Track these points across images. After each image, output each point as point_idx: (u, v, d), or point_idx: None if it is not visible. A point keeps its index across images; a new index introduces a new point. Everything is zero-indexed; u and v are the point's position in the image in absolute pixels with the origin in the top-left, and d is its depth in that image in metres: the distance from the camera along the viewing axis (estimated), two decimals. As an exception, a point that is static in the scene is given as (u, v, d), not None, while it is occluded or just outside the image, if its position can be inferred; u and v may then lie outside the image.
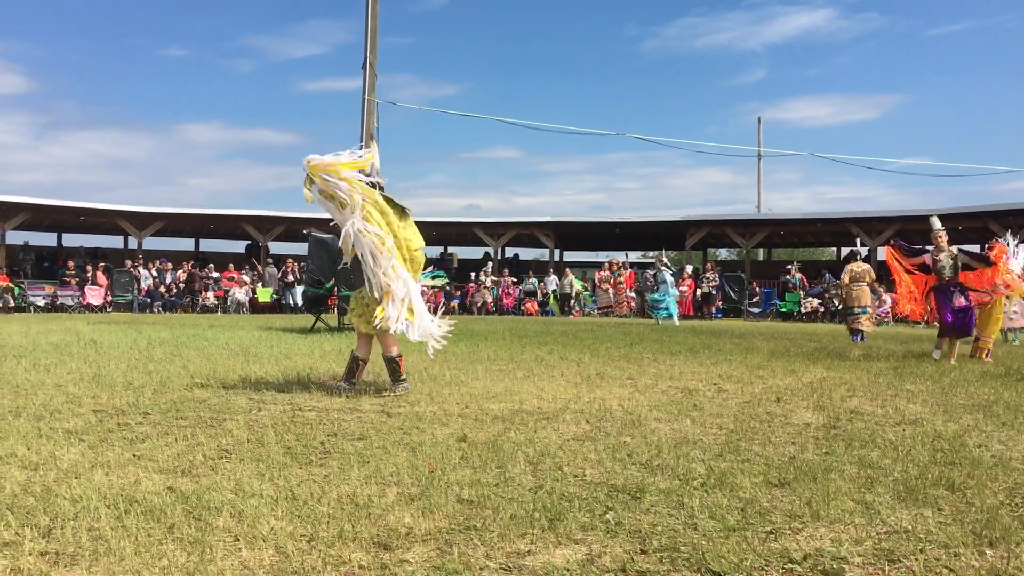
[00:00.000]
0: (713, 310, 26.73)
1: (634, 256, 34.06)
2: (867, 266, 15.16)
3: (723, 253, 48.34)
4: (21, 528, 2.90)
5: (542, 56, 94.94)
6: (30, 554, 2.65)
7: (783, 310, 26.63)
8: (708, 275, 27.88)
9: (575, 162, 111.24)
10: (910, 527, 3.07)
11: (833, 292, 19.75)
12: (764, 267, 34.01)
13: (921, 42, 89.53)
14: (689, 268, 29.05)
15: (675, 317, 20.85)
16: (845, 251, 32.18)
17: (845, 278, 14.80)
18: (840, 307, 15.32)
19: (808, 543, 2.88)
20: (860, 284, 14.50)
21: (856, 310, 14.55)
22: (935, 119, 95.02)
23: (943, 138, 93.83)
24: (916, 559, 2.72)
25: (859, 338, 14.22)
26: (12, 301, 23.93)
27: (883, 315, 23.71)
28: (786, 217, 31.65)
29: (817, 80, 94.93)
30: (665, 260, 21.75)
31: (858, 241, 16.34)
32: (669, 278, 20.93)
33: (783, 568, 2.65)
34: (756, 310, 26.87)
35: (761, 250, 37.42)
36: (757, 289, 27.73)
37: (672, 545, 2.83)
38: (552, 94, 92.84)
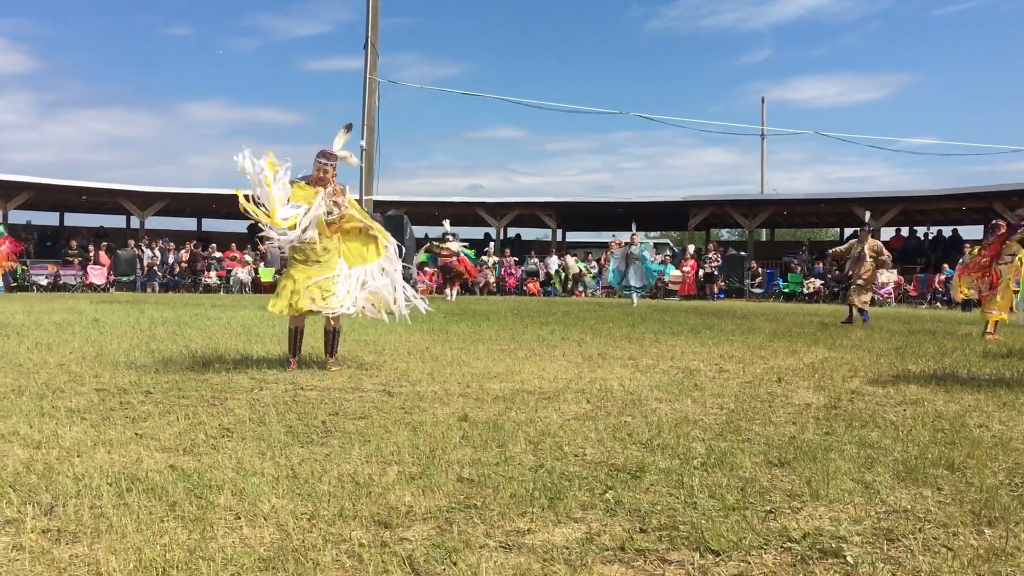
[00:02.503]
0: (715, 290, 26.73)
1: (639, 237, 34.00)
2: (875, 241, 14.59)
3: (725, 234, 48.25)
4: (23, 506, 2.91)
5: (545, 35, 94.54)
6: (32, 531, 2.66)
7: (786, 291, 26.63)
8: (711, 255, 27.85)
9: (578, 142, 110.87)
10: (909, 507, 3.08)
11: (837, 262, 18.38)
12: (767, 247, 33.97)
13: (928, 21, 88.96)
14: (691, 248, 29.03)
15: (635, 296, 20.96)
16: (848, 232, 32.14)
17: (842, 248, 14.40)
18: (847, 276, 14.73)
19: (807, 522, 2.89)
20: (863, 257, 13.83)
21: (858, 283, 13.95)
22: (942, 99, 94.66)
23: (950, 118, 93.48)
24: (915, 538, 2.73)
25: (858, 315, 13.76)
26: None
27: (885, 296, 23.69)
28: (789, 197, 31.57)
29: (823, 60, 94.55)
30: (639, 239, 21.87)
31: (867, 215, 15.77)
32: (647, 255, 21.00)
33: (782, 547, 2.65)
34: (759, 291, 26.87)
35: (764, 230, 37.34)
36: (760, 270, 27.73)
37: (671, 524, 2.84)
38: (555, 74, 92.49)
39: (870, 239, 14.34)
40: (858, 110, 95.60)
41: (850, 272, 14.22)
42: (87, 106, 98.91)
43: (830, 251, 15.78)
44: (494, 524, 2.83)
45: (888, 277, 14.21)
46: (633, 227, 22.10)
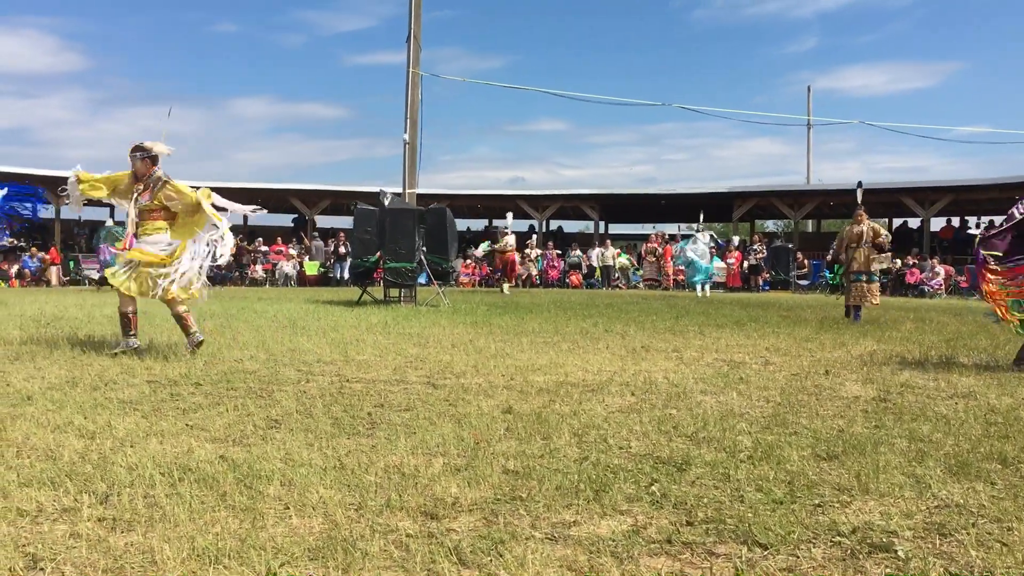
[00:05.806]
0: (760, 282, 26.43)
1: (686, 228, 33.97)
2: (874, 224, 12.40)
3: (771, 225, 47.69)
4: (79, 494, 2.98)
5: (589, 26, 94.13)
6: (88, 520, 2.73)
7: (832, 282, 26.20)
8: (755, 247, 27.53)
9: (622, 134, 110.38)
10: (961, 501, 3.02)
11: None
12: (813, 239, 33.48)
13: (979, 6, 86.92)
14: (736, 240, 28.74)
15: (699, 287, 21.27)
16: (897, 222, 31.55)
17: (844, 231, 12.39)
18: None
19: (857, 517, 2.85)
20: (858, 244, 11.95)
21: (851, 278, 12.14)
22: (993, 86, 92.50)
23: (1001, 106, 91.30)
24: (967, 533, 2.68)
25: (854, 316, 11.96)
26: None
27: (935, 288, 23.27)
28: (835, 188, 31.01)
29: (871, 47, 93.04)
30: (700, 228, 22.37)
31: (859, 191, 12.94)
32: (702, 246, 21.36)
33: (831, 541, 2.62)
34: (804, 282, 26.51)
35: (810, 221, 36.81)
36: (805, 261, 27.34)
37: (718, 517, 2.82)
38: (599, 65, 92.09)
39: (866, 220, 12.27)
40: (908, 99, 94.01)
41: (848, 258, 12.27)
42: (136, 103, 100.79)
43: (835, 244, 13.99)
44: (540, 516, 2.84)
45: (882, 263, 12.01)
46: (701, 217, 22.53)
